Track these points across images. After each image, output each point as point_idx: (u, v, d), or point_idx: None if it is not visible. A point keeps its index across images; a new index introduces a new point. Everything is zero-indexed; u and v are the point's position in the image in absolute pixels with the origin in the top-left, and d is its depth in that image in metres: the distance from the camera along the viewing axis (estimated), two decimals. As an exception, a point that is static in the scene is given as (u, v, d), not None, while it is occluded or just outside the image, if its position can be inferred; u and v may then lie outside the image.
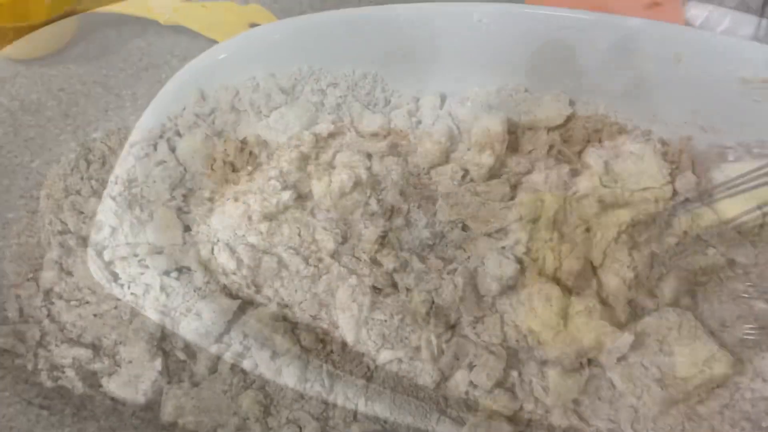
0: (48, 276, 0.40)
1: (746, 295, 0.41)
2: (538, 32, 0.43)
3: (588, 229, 0.42)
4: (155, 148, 0.45)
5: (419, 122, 0.47)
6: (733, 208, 0.42)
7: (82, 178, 0.43)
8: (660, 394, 0.38)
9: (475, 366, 0.39)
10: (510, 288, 0.40)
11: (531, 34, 0.44)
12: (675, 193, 0.43)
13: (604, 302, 0.40)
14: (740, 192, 0.42)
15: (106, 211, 0.42)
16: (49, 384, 0.37)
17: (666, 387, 0.39)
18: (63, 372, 0.37)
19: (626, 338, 0.37)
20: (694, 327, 0.40)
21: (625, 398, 0.39)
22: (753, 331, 0.40)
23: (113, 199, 0.43)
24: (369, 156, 0.45)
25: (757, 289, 0.41)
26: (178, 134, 0.45)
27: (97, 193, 0.43)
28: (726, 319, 0.40)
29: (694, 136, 0.44)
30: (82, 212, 0.42)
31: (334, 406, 0.39)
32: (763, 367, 0.38)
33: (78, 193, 0.43)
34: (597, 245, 0.41)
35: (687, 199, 0.43)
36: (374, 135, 0.46)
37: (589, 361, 0.39)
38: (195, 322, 0.40)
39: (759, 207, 0.42)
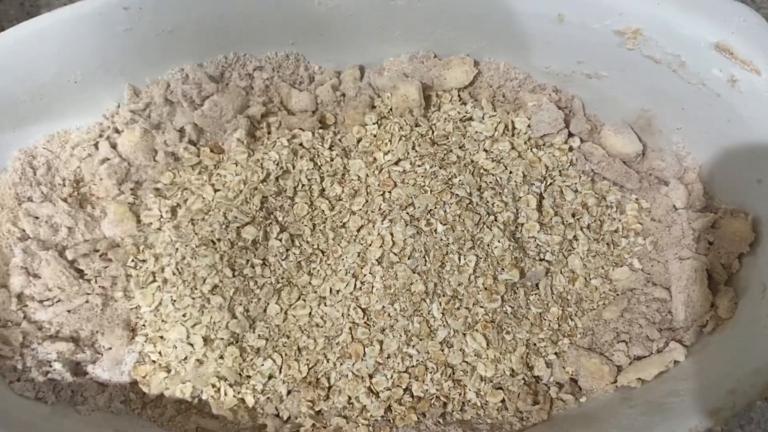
0: (16, 281, 0.41)
1: (635, 213, 0.48)
2: (445, 4, 0.46)
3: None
4: (96, 147, 0.46)
5: (343, 95, 0.49)
6: (618, 143, 0.48)
7: (31, 185, 0.43)
8: (572, 308, 0.46)
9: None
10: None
11: (434, 5, 0.47)
12: (570, 135, 0.48)
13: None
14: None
15: (60, 213, 0.43)
16: (40, 378, 0.39)
17: (579, 301, 0.46)
18: (50, 366, 0.40)
19: (540, 269, 0.44)
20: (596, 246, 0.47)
21: (545, 314, 0.46)
22: (643, 242, 0.47)
23: (65, 200, 0.44)
24: (302, 131, 0.48)
25: (645, 211, 0.48)
26: (117, 131, 0.46)
27: (47, 197, 0.44)
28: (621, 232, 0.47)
29: (581, 82, 0.48)
30: (37, 217, 0.43)
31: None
32: (653, 271, 0.46)
33: (30, 199, 0.43)
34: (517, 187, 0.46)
35: (581, 140, 0.49)
36: (303, 111, 0.48)
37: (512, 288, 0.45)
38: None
39: (640, 140, 0.49)
